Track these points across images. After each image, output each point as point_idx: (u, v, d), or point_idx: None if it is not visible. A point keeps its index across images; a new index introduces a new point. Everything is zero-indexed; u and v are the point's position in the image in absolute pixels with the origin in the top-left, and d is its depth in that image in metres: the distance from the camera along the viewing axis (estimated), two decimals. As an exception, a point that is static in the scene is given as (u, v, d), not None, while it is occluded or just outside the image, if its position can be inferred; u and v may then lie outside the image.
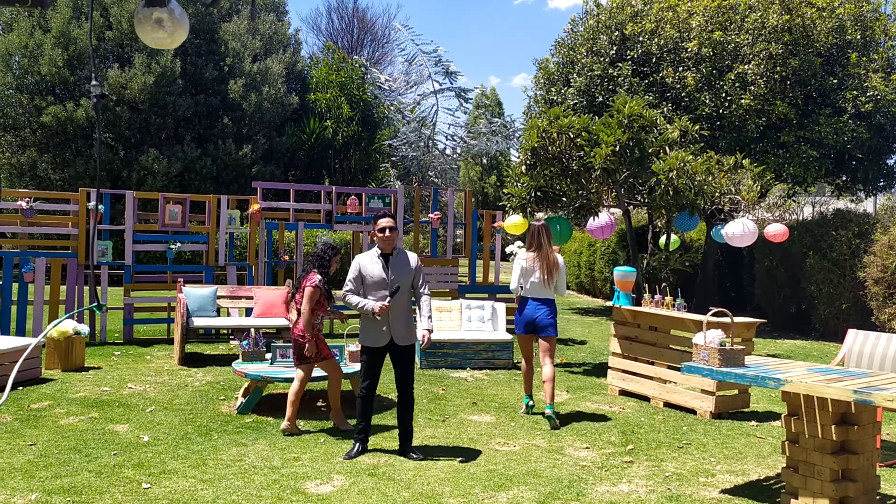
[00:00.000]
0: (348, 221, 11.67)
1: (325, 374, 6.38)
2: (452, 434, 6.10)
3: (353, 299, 5.33)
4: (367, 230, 11.56)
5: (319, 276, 5.97)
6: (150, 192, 11.07)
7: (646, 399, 7.53)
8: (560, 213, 9.49)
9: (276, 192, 19.96)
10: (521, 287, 6.73)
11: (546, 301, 6.68)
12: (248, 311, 10.09)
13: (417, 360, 9.22)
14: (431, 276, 11.78)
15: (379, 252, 5.40)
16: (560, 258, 6.82)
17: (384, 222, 5.35)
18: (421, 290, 5.42)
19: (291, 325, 6.13)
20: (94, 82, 1.23)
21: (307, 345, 5.97)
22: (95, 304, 1.94)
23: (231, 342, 10.37)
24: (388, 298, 5.26)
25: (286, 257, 11.37)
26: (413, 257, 5.47)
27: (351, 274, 5.40)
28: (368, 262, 5.39)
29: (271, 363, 6.88)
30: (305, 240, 19.43)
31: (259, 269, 11.09)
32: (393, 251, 5.41)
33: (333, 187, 11.53)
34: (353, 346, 6.98)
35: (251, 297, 9.88)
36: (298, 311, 6.06)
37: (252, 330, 7.30)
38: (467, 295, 11.67)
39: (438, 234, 11.92)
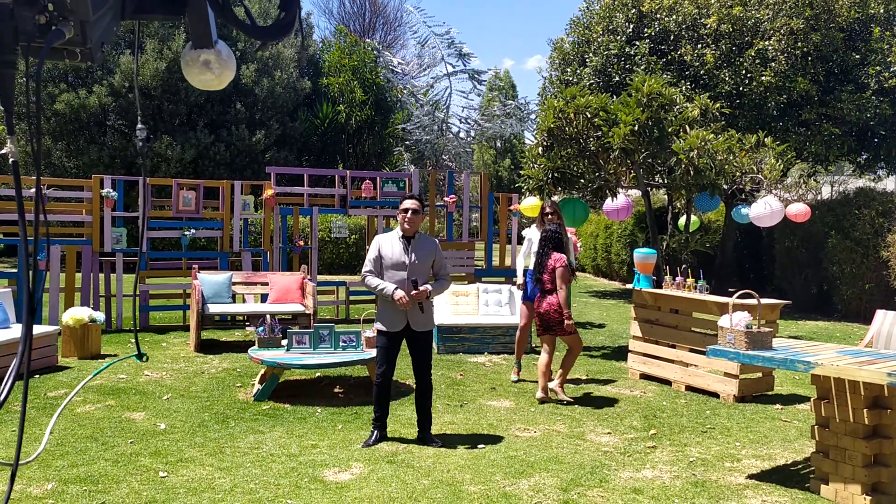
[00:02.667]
0: (363, 206, 11.59)
1: (351, 359, 6.40)
2: (471, 420, 6.03)
3: (373, 281, 5.25)
4: (382, 214, 11.49)
5: (562, 255, 6.52)
6: (163, 179, 11.05)
7: (667, 383, 7.43)
8: (577, 195, 9.36)
9: (289, 178, 19.87)
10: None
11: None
12: (264, 298, 10.05)
13: (434, 345, 9.15)
14: (447, 260, 11.71)
15: (401, 234, 5.32)
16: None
17: (408, 203, 5.26)
18: (441, 276, 5.35)
19: (537, 303, 6.64)
20: (139, 125, 1.22)
21: (566, 321, 6.48)
22: (136, 353, 1.89)
23: (247, 329, 10.35)
24: (412, 289, 5.20)
25: (301, 242, 11.32)
26: (434, 241, 5.39)
27: (370, 254, 5.32)
28: (389, 243, 5.31)
29: (287, 350, 6.82)
30: (320, 225, 19.45)
31: (274, 255, 11.04)
32: (416, 234, 5.33)
33: (348, 172, 11.45)
34: (370, 332, 6.92)
35: (266, 283, 9.84)
36: (547, 290, 6.59)
37: (268, 316, 7.25)
38: (484, 279, 11.58)
39: (454, 218, 11.83)
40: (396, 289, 5.17)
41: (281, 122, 23.21)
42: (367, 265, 5.31)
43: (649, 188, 9.35)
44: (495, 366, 8.26)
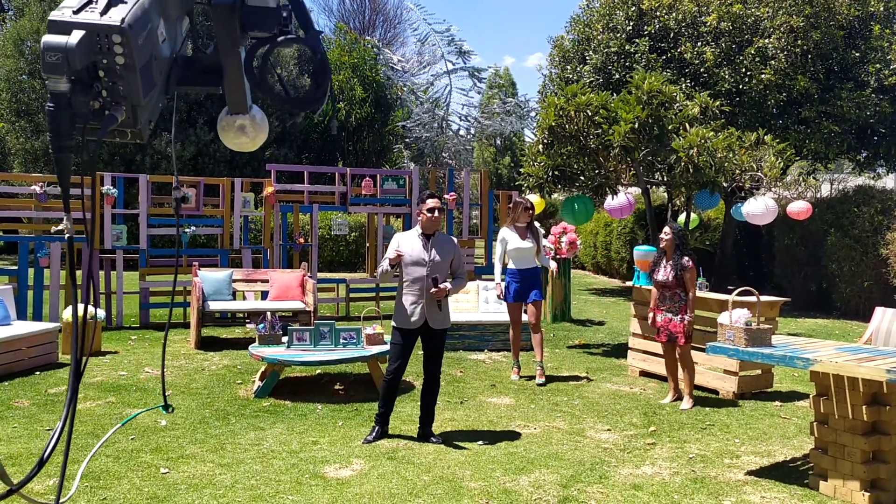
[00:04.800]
0: (363, 203, 11.61)
1: (352, 356, 6.43)
2: (472, 417, 6.05)
3: (382, 266, 5.29)
4: (382, 212, 11.49)
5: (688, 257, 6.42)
6: (163, 176, 11.05)
7: (667, 380, 7.44)
8: (577, 193, 9.37)
9: (290, 175, 19.86)
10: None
11: (530, 270, 7.45)
12: (264, 295, 10.06)
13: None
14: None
15: (420, 231, 5.33)
16: (541, 231, 7.68)
17: (432, 203, 5.28)
18: (459, 275, 5.37)
19: (677, 315, 6.44)
20: (174, 183, 1.31)
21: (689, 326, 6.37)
22: (163, 404, 1.96)
23: (247, 326, 10.36)
24: (432, 285, 5.21)
25: (301, 240, 11.33)
26: (453, 240, 5.42)
27: (390, 250, 5.34)
28: (408, 241, 5.33)
29: (288, 347, 6.83)
30: (320, 222, 19.44)
31: (274, 252, 11.05)
32: (435, 232, 5.35)
33: (348, 169, 11.45)
34: (370, 329, 6.93)
35: (267, 281, 9.84)
36: (677, 293, 6.43)
37: (268, 313, 7.26)
38: (484, 276, 11.59)
39: (454, 216, 11.84)
40: (391, 251, 5.25)
41: (281, 120, 23.21)
42: (384, 260, 5.31)
43: (649, 186, 9.36)
44: (495, 363, 8.28)
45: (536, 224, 7.65)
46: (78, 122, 1.11)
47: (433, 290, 5.18)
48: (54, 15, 1.08)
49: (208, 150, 21.16)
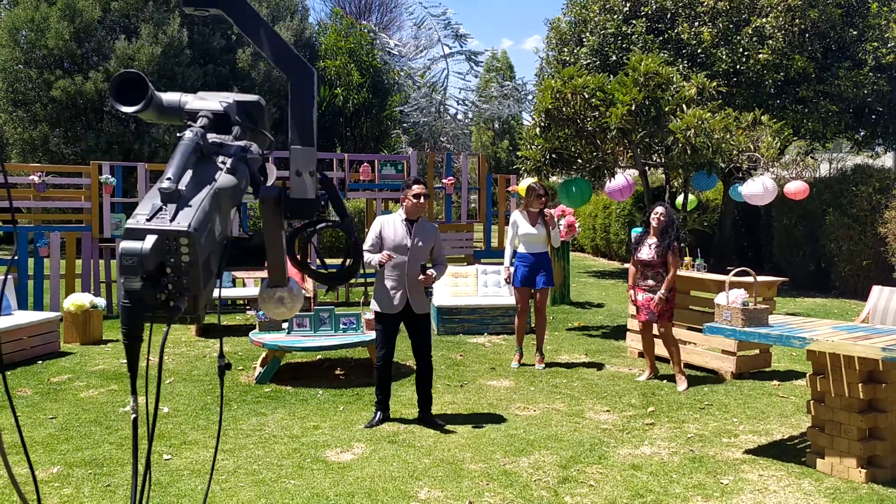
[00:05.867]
0: (361, 189, 11.60)
1: (352, 341, 6.44)
2: (472, 400, 6.08)
3: (368, 257, 5.27)
4: (380, 197, 11.49)
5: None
6: (161, 164, 11.03)
7: (665, 361, 7.46)
8: (576, 175, 9.37)
9: (287, 161, 19.87)
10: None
11: (540, 255, 7.38)
12: (264, 281, 10.06)
13: (434, 326, 9.20)
14: (447, 241, 11.68)
15: (404, 216, 5.33)
16: (554, 217, 7.60)
17: (418, 189, 5.26)
18: (440, 261, 5.38)
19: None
20: (219, 356, 1.50)
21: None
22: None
23: (247, 312, 10.38)
24: (421, 272, 5.23)
25: (300, 226, 11.32)
26: (435, 227, 5.44)
27: (371, 234, 5.35)
28: (391, 225, 5.33)
29: (288, 333, 6.86)
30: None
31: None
32: (419, 218, 5.35)
33: (346, 155, 11.44)
34: (370, 314, 6.95)
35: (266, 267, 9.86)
36: (659, 273, 6.50)
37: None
38: (483, 260, 11.60)
39: (452, 200, 11.84)
40: (383, 253, 5.23)
41: (278, 106, 23.13)
42: (367, 244, 5.33)
43: (647, 168, 9.35)
44: (495, 346, 8.32)
45: (554, 213, 7.71)
46: (147, 312, 1.27)
47: (421, 276, 5.19)
48: (130, 223, 1.24)
49: (146, 130, 20.99)
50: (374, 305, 5.36)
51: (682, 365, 6.66)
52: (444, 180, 11.87)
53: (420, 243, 5.28)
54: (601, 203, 19.09)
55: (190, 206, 1.27)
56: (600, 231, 19.41)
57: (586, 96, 8.42)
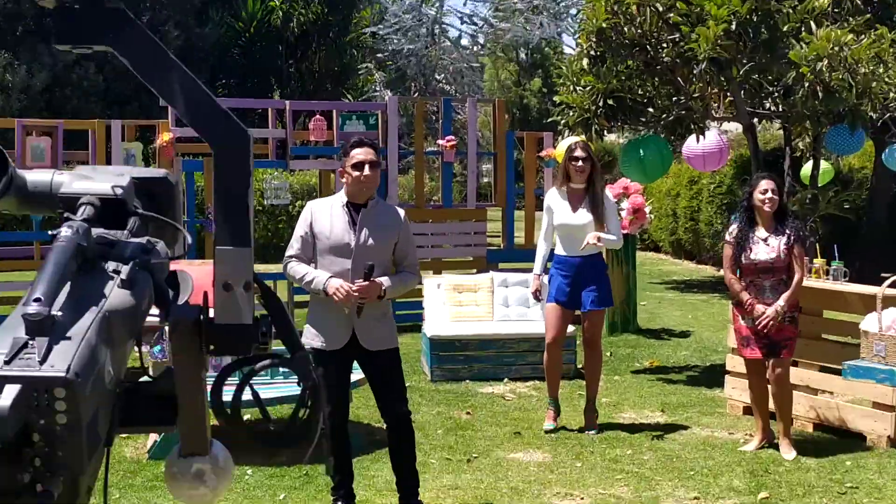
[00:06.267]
0: (312, 155, 11.59)
1: (284, 395, 6.40)
2: (485, 482, 6.07)
3: (299, 269, 5.22)
4: (339, 168, 11.48)
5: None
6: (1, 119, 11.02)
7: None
8: (646, 132, 9.34)
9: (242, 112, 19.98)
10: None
11: (588, 259, 7.37)
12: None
13: (425, 367, 9.18)
14: (446, 237, 11.70)
15: (345, 200, 5.29)
16: (608, 196, 7.54)
17: (360, 154, 5.17)
18: (404, 268, 5.33)
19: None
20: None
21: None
22: None
23: (134, 350, 10.38)
24: (357, 282, 5.14)
25: (217, 214, 11.36)
26: (399, 213, 5.39)
27: (297, 231, 5.30)
28: (326, 214, 5.26)
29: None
30: (247, 186, 19.39)
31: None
32: (368, 201, 5.29)
33: (287, 102, 11.44)
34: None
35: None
36: (783, 281, 6.55)
37: (166, 329, 7.24)
38: (501, 265, 11.59)
39: (454, 172, 11.83)
40: (331, 277, 5.13)
41: (183, 28, 23.15)
42: (291, 247, 5.28)
43: (755, 120, 9.33)
44: (521, 398, 8.30)
45: (608, 191, 7.69)
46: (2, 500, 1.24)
47: (356, 286, 5.07)
48: None
49: (69, 78, 21.08)
50: (307, 338, 5.30)
51: (812, 426, 6.64)
52: (439, 141, 11.86)
53: (371, 240, 5.20)
54: (685, 176, 19.09)
55: (68, 339, 1.27)
56: (684, 219, 19.42)
57: (660, 9, 8.41)
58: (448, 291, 9.53)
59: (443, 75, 26.08)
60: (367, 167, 5.15)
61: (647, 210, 11.19)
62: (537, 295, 7.52)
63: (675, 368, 9.60)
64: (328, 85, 25.78)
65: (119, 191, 1.55)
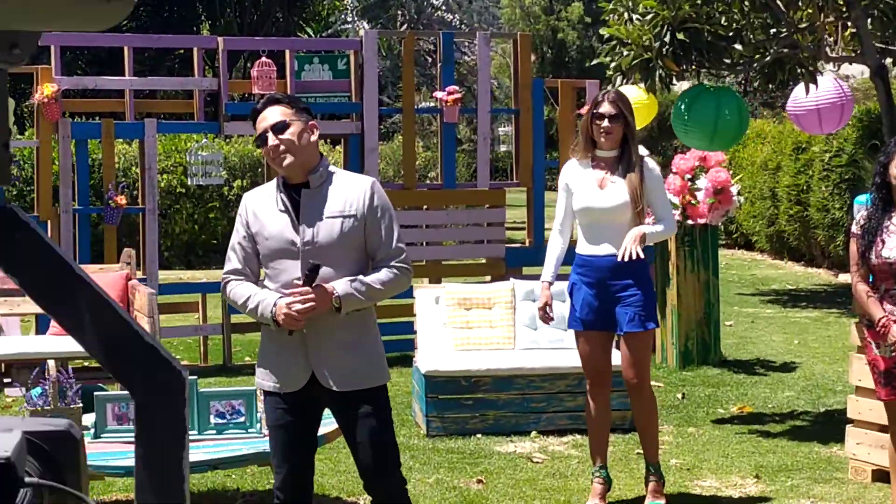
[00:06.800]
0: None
1: (237, 454, 6.40)
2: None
3: (239, 291, 5.23)
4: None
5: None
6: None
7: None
8: (724, 80, 9.33)
9: (93, 58, 19.89)
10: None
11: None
12: (42, 324, 10.07)
13: (420, 419, 9.17)
14: (448, 231, 11.71)
15: (280, 181, 5.28)
16: (649, 165, 7.34)
17: (270, 116, 5.19)
18: (385, 261, 5.29)
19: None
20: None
21: None
22: None
23: (6, 392, 10.39)
24: (295, 283, 5.13)
25: (120, 199, 11.31)
26: (362, 184, 5.34)
27: (234, 236, 5.34)
28: (263, 206, 5.27)
29: (96, 434, 6.85)
30: (166, 160, 19.37)
31: (62, 227, 11.05)
32: (311, 175, 5.26)
33: (220, 39, 11.41)
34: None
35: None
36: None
37: (50, 364, 7.27)
38: (527, 270, 11.59)
39: (457, 135, 11.83)
40: (280, 298, 5.12)
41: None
42: (229, 260, 5.29)
43: (888, 60, 9.31)
44: (554, 460, 8.32)
45: (645, 153, 7.54)
46: None
47: (290, 292, 5.10)
48: None
49: None
50: (258, 377, 5.32)
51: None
52: (437, 94, 11.85)
53: (320, 232, 5.21)
54: (788, 140, 19.08)
55: None
56: (788, 203, 19.39)
57: None
58: (451, 308, 9.51)
59: (440, 1, 26.13)
60: (270, 137, 5.18)
61: (734, 190, 11.17)
62: (546, 313, 7.42)
63: (774, 416, 9.58)
64: (278, 14, 25.77)
65: (5, 453, 1.55)
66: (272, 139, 5.14)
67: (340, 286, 5.08)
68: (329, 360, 5.20)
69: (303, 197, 5.23)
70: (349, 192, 5.29)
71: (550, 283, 7.39)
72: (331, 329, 5.20)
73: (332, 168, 5.36)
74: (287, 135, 5.15)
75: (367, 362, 5.30)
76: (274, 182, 5.35)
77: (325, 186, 5.28)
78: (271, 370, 5.28)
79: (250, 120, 5.34)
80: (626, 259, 6.86)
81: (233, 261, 5.32)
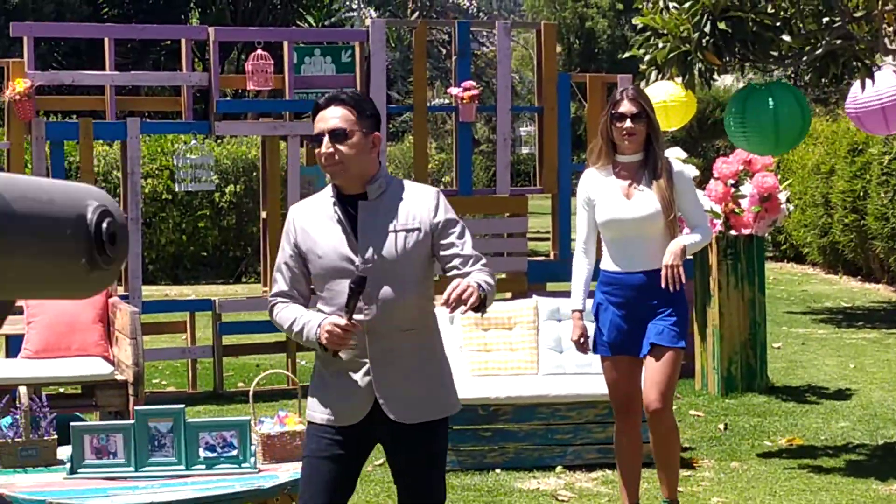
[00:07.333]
0: (251, 114, 11.60)
1: (229, 491, 6.42)
2: None
3: (285, 314, 5.22)
4: (297, 134, 11.50)
5: None
6: None
7: None
8: (775, 74, 9.34)
9: (71, 50, 19.98)
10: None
11: (659, 274, 7.06)
12: (12, 347, 10.11)
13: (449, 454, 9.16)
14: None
15: (334, 192, 5.29)
16: (676, 167, 7.28)
17: (320, 120, 5.21)
18: (462, 266, 5.27)
19: None
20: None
21: None
22: None
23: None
24: (346, 311, 5.09)
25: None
26: (426, 194, 5.35)
27: (281, 254, 5.33)
28: (314, 221, 5.28)
29: (72, 470, 6.85)
30: (151, 162, 19.40)
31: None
32: (369, 185, 5.27)
33: (211, 30, 11.45)
34: (274, 424, 6.95)
35: (19, 309, 9.88)
36: None
37: (21, 391, 7.29)
38: (551, 286, 11.60)
39: (474, 136, 11.84)
40: (325, 320, 5.07)
41: None
42: (275, 282, 5.28)
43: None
44: (583, 498, 8.33)
45: (682, 156, 7.53)
46: None
47: (345, 324, 5.04)
48: None
49: None
50: (309, 409, 5.29)
51: None
52: (452, 90, 11.88)
53: (379, 249, 5.20)
54: (843, 143, 19.07)
55: None
56: (843, 210, 19.37)
57: None
58: (467, 328, 9.51)
59: (457, -15, 26.18)
60: (325, 140, 5.18)
61: (782, 197, 11.17)
62: (582, 344, 7.38)
63: (827, 449, 9.57)
64: (276, 1, 25.85)
65: None
66: (327, 145, 5.12)
67: (475, 278, 5.08)
68: (396, 389, 5.20)
69: (360, 210, 5.21)
70: (412, 203, 5.30)
71: (582, 311, 7.32)
72: (397, 353, 5.21)
73: (391, 177, 5.36)
74: (345, 145, 5.11)
75: (435, 389, 5.33)
76: (325, 193, 5.35)
77: (385, 197, 5.27)
78: (325, 400, 5.26)
79: (311, 113, 5.32)
80: (673, 288, 6.87)
81: (279, 282, 5.31)
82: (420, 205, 5.28)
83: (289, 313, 5.21)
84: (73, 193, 1.85)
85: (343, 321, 4.96)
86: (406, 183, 5.47)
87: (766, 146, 9.22)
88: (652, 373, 7.07)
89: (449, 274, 5.25)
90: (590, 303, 7.50)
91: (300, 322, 5.14)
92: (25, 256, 1.65)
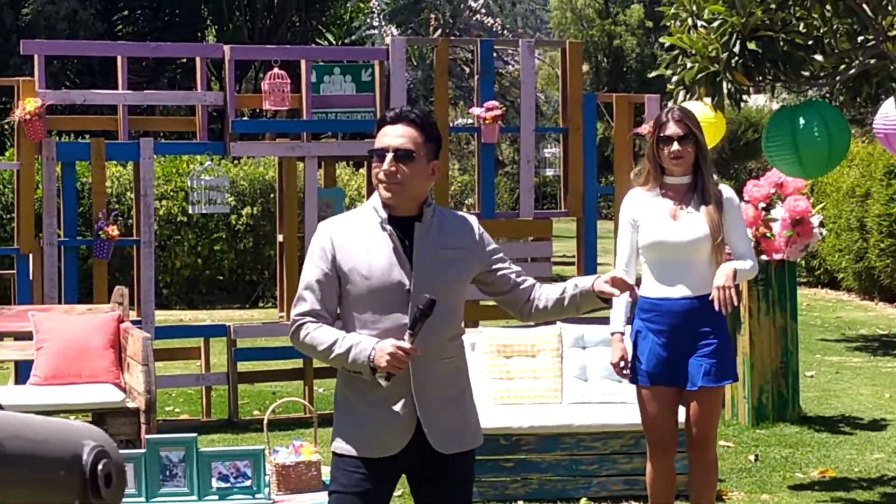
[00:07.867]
0: (268, 134, 11.61)
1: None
2: None
3: (321, 336, 5.16)
4: (314, 154, 11.50)
5: None
6: None
7: None
8: (812, 94, 9.36)
9: (84, 67, 20.01)
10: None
11: (703, 300, 7.01)
12: (23, 372, 10.10)
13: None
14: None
15: (384, 214, 5.27)
16: (726, 193, 7.22)
17: (385, 136, 5.16)
18: (517, 279, 5.33)
19: None
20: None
21: None
22: None
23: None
24: (410, 334, 5.06)
25: (112, 229, 11.35)
26: (468, 220, 5.38)
27: (312, 271, 5.22)
28: (357, 239, 5.22)
29: (81, 501, 6.85)
30: (165, 184, 19.41)
31: (45, 260, 11.09)
32: (425, 208, 5.29)
33: (227, 48, 11.47)
34: (288, 454, 6.94)
35: (29, 338, 9.88)
36: None
37: (30, 417, 7.26)
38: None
39: (497, 158, 11.84)
40: (382, 342, 4.98)
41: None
42: (303, 301, 5.21)
43: None
44: (608, 532, 8.26)
45: (724, 185, 7.46)
46: None
47: (406, 347, 5.00)
48: None
49: None
50: (340, 443, 5.26)
51: None
52: (474, 110, 11.89)
53: (433, 273, 5.20)
54: (878, 164, 19.05)
55: None
56: (878, 234, 19.34)
57: None
58: (489, 355, 9.50)
59: (481, 1, 26.23)
60: (388, 157, 5.15)
61: (815, 221, 11.15)
62: (622, 368, 7.28)
63: (861, 482, 9.54)
64: (294, 18, 25.88)
65: None
66: (391, 163, 5.07)
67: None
68: (439, 418, 5.16)
69: (417, 232, 5.18)
70: (458, 229, 5.33)
71: (623, 334, 7.24)
72: (437, 381, 5.19)
73: (433, 204, 5.33)
74: (409, 167, 5.09)
75: (470, 419, 5.34)
76: (364, 211, 5.30)
77: (435, 222, 5.26)
78: (357, 431, 5.18)
79: (376, 127, 5.29)
80: (725, 311, 6.84)
81: (309, 301, 5.17)
82: (466, 232, 5.32)
83: (326, 334, 5.09)
84: (67, 433, 1.98)
85: (408, 344, 4.91)
86: (446, 210, 5.49)
87: (806, 166, 9.21)
88: (697, 410, 7.06)
89: (512, 293, 5.37)
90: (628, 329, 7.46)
91: (345, 343, 5.03)
92: (18, 496, 1.71)
